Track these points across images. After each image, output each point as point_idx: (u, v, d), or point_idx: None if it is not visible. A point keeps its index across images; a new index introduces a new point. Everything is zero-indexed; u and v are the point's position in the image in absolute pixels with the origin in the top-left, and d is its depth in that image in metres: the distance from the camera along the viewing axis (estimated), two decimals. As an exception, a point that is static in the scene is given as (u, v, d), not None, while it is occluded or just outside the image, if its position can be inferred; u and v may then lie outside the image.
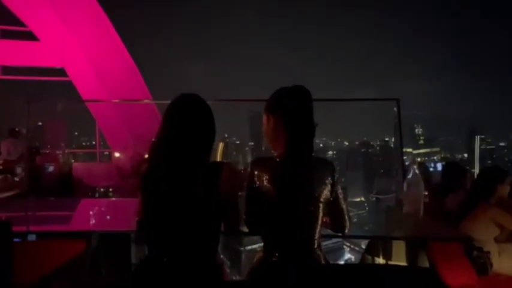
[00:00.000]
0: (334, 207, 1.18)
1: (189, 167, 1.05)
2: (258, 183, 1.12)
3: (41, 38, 6.47)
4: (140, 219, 1.09)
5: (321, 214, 1.13)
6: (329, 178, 1.14)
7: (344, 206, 1.20)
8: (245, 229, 1.21)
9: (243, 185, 1.20)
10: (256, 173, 1.13)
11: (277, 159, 1.14)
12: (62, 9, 6.17)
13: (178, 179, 1.04)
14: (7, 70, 6.81)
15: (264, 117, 1.19)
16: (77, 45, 6.38)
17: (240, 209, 1.15)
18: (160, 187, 1.05)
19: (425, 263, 1.54)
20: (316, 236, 1.13)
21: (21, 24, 6.42)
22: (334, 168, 1.16)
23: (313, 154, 1.16)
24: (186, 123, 1.07)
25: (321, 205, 1.12)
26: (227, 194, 1.07)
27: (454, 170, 2.51)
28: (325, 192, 1.13)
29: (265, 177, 1.11)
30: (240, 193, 1.15)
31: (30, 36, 6.49)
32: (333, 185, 1.15)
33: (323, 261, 1.12)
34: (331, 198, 1.15)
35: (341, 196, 1.19)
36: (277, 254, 1.11)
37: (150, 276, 1.04)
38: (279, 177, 1.11)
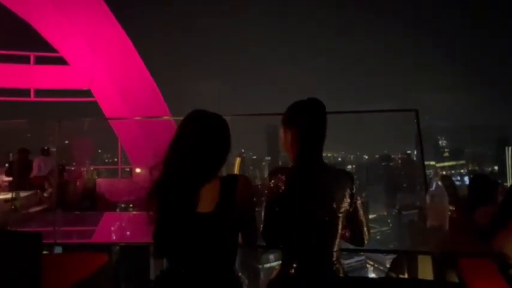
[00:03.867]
0: (353, 220, 1.16)
1: (201, 180, 1.06)
2: (275, 192, 1.12)
3: (71, 63, 6.95)
4: (155, 232, 1.08)
5: (340, 226, 1.10)
6: (348, 189, 1.12)
7: (363, 219, 1.17)
8: (262, 243, 1.20)
9: (258, 198, 1.21)
10: (273, 181, 1.13)
11: (294, 169, 1.15)
12: (91, 36, 6.65)
13: (191, 192, 1.04)
14: (39, 93, 7.32)
15: (281, 131, 1.21)
16: (103, 68, 6.79)
17: (257, 223, 1.15)
18: (173, 200, 1.05)
19: (455, 281, 1.44)
20: (335, 249, 1.10)
21: (53, 50, 6.96)
22: (353, 179, 1.15)
23: (331, 165, 1.16)
24: (197, 137, 1.08)
25: (340, 217, 1.10)
26: (243, 206, 1.07)
27: (483, 182, 2.38)
28: (344, 204, 1.11)
29: (282, 187, 1.11)
30: (256, 208, 1.15)
31: (60, 61, 7.00)
32: (352, 197, 1.13)
33: (342, 275, 1.09)
34: (350, 210, 1.13)
35: (360, 208, 1.16)
36: (294, 266, 1.09)
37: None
38: (296, 187, 1.11)
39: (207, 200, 1.05)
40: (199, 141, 1.08)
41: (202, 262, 1.04)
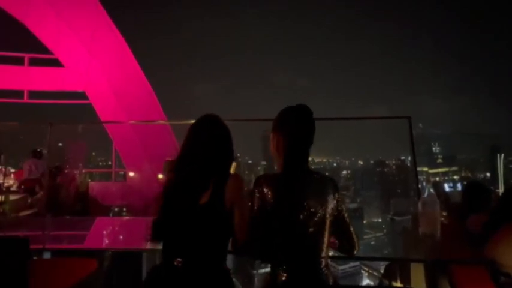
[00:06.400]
0: (339, 226, 1.16)
1: (201, 185, 1.12)
2: (260, 200, 1.13)
3: (66, 65, 6.91)
4: (155, 220, 1.15)
5: (326, 233, 1.11)
6: (331, 195, 1.13)
7: (350, 226, 1.18)
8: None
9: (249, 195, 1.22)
10: (259, 190, 1.14)
11: (278, 176, 1.16)
12: (87, 38, 6.64)
13: (190, 192, 1.12)
14: (32, 94, 7.24)
15: (271, 136, 1.24)
16: (99, 71, 6.76)
17: (247, 224, 1.15)
18: (174, 196, 1.13)
19: (447, 289, 1.45)
20: (323, 255, 1.10)
21: (47, 51, 6.90)
22: (337, 185, 1.16)
23: (315, 171, 1.17)
24: (201, 143, 1.18)
25: (325, 223, 1.10)
26: (233, 199, 1.12)
27: (476, 189, 2.40)
28: (328, 210, 1.11)
29: (268, 195, 1.11)
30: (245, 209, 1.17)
31: (55, 63, 6.95)
32: (336, 202, 1.14)
33: (331, 281, 1.09)
34: (335, 216, 1.14)
35: (346, 214, 1.17)
36: (284, 274, 1.08)
37: (161, 282, 1.08)
38: (279, 193, 1.11)
39: (205, 193, 1.11)
40: (210, 146, 1.17)
41: (194, 251, 1.09)
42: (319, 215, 1.09)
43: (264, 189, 1.12)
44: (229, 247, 1.15)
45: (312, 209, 1.09)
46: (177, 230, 1.11)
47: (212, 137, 1.18)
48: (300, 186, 1.12)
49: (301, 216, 1.09)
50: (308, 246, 1.09)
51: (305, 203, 1.09)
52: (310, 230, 1.09)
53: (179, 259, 1.07)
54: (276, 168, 1.22)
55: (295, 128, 1.16)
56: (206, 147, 1.16)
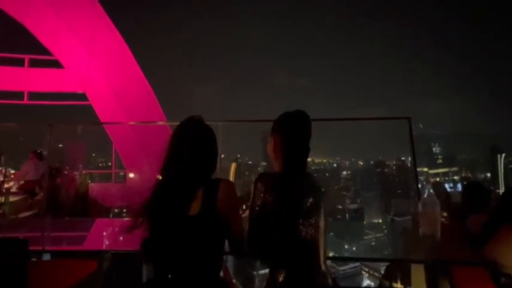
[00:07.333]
0: None
1: (189, 187, 1.10)
2: (260, 199, 1.14)
3: (66, 65, 6.91)
4: (144, 237, 1.11)
5: (324, 233, 1.14)
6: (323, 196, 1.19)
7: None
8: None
9: (241, 201, 1.23)
10: (259, 188, 1.16)
11: (277, 175, 1.20)
12: (87, 39, 6.64)
13: (179, 197, 1.09)
14: (32, 95, 7.24)
15: (269, 138, 1.29)
16: (99, 72, 6.77)
17: (243, 229, 1.16)
18: (162, 206, 1.09)
19: (448, 290, 1.44)
20: (321, 254, 1.12)
21: (47, 53, 6.91)
22: (321, 189, 1.20)
23: (314, 174, 1.23)
24: (187, 144, 1.16)
25: (323, 221, 1.14)
26: (224, 209, 1.09)
27: (476, 189, 2.40)
28: (323, 211, 1.16)
29: (266, 194, 1.14)
30: (240, 211, 1.18)
31: (55, 64, 6.96)
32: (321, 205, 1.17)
33: (331, 282, 1.10)
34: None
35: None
36: (284, 275, 1.09)
37: None
38: (277, 194, 1.14)
39: (194, 203, 1.09)
40: (195, 147, 1.15)
41: (188, 266, 1.06)
42: (316, 215, 1.12)
43: (263, 188, 1.15)
44: (228, 249, 1.15)
45: (309, 210, 1.12)
46: (169, 247, 1.07)
47: (197, 138, 1.17)
48: (297, 188, 1.15)
49: (299, 217, 1.11)
50: (307, 247, 1.11)
51: (302, 204, 1.12)
52: (309, 230, 1.11)
53: (174, 274, 1.05)
54: (273, 168, 1.25)
55: (292, 132, 1.22)
56: (192, 148, 1.14)
